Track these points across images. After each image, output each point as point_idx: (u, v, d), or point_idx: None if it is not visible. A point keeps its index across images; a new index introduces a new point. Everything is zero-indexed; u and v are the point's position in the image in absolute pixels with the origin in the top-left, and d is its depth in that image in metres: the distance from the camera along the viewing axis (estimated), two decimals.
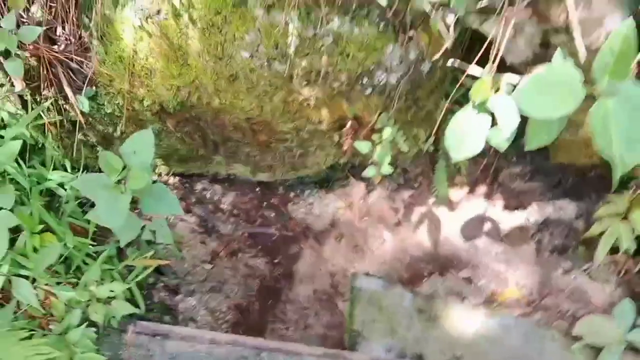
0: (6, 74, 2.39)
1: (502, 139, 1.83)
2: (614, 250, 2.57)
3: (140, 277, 2.26)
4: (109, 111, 2.43)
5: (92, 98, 2.39)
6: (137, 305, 2.28)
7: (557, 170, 3.08)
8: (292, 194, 3.03)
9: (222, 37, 2.10)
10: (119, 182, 1.88)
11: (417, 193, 3.11)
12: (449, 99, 2.34)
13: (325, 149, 2.73)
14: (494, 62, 1.79)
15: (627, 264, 2.62)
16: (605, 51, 1.48)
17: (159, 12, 2.10)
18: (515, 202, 3.10)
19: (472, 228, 3.00)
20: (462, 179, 3.13)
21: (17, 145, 2.00)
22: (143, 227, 2.16)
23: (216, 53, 2.15)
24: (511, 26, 1.67)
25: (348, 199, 3.05)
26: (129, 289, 2.27)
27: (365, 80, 2.25)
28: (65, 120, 2.52)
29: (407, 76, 2.27)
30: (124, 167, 1.88)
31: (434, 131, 2.90)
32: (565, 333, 2.41)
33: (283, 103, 2.35)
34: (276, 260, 2.81)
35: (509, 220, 3.03)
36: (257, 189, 3.00)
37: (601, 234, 2.56)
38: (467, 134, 1.88)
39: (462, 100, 2.98)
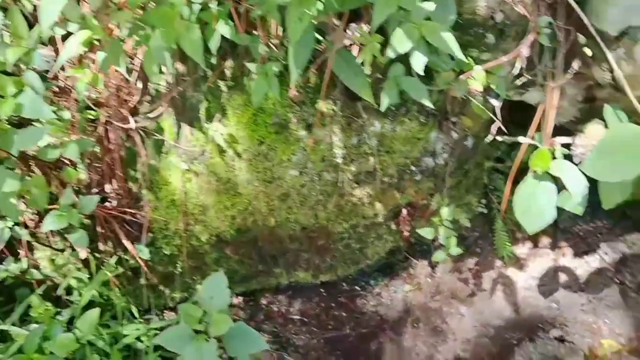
0: (64, 238, 2.45)
1: (575, 204, 1.79)
2: None
3: None
4: (167, 253, 2.45)
5: (150, 244, 2.42)
6: None
7: (619, 205, 3.00)
8: (357, 288, 2.97)
9: (270, 162, 2.12)
10: (201, 330, 1.87)
11: (481, 259, 3.03)
12: (512, 173, 2.30)
13: (383, 238, 2.70)
14: (546, 131, 1.78)
15: None
16: None
17: (203, 152, 2.14)
18: (584, 246, 3.00)
19: (548, 283, 2.90)
20: (522, 233, 3.05)
21: (96, 313, 2.01)
22: None
23: (265, 178, 2.18)
24: (557, 97, 1.66)
25: (414, 280, 2.98)
26: None
27: (413, 168, 2.25)
28: (126, 270, 2.54)
29: (452, 155, 2.26)
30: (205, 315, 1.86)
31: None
32: None
33: (337, 207, 2.34)
34: None
35: (583, 266, 2.92)
36: (322, 291, 2.95)
37: None
38: (535, 205, 1.85)
39: (504, 157, 2.96)
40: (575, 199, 1.75)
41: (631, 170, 1.53)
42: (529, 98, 1.92)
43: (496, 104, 1.78)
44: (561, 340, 2.65)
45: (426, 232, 2.37)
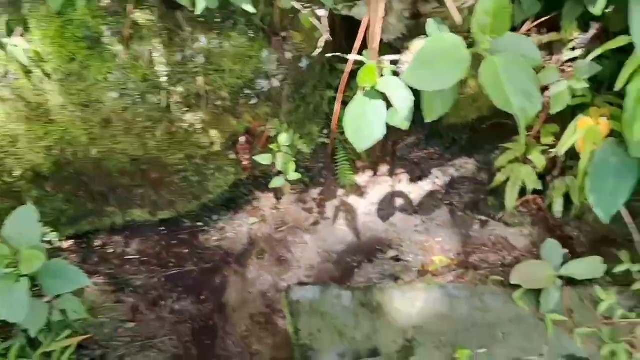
0: None
1: (401, 119, 1.81)
2: (522, 192, 2.66)
3: None
4: None
5: None
6: None
7: (449, 131, 3.16)
8: (200, 224, 2.87)
9: (84, 83, 1.91)
10: (11, 270, 1.66)
11: (325, 188, 3.06)
12: (340, 91, 2.29)
13: (224, 170, 2.61)
14: (372, 46, 1.76)
15: (536, 202, 2.72)
16: (480, 12, 1.49)
17: (6, 74, 1.87)
18: (418, 172, 3.14)
19: (386, 208, 3.01)
20: (363, 163, 3.12)
21: None
22: (51, 308, 1.94)
23: (81, 101, 1.96)
24: (382, 9, 1.64)
25: (259, 213, 2.94)
26: None
27: (247, 91, 2.15)
28: None
29: (288, 77, 2.19)
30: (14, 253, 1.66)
31: (327, 123, 2.88)
32: (502, 284, 2.47)
33: (168, 135, 2.19)
34: (202, 297, 2.65)
35: (417, 190, 3.07)
36: (162, 229, 2.81)
37: (506, 180, 2.63)
38: (365, 123, 1.85)
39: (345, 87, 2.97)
40: (402, 114, 1.77)
41: (449, 79, 1.56)
42: (358, 13, 1.89)
43: (322, 13, 1.72)
44: (397, 259, 2.77)
45: (263, 159, 2.31)
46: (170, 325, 2.53)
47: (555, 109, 2.14)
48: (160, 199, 2.60)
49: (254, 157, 2.33)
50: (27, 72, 1.88)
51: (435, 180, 3.09)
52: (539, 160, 2.50)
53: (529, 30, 2.11)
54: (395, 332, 2.23)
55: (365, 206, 3.01)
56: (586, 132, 2.12)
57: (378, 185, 3.09)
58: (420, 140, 3.22)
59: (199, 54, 1.92)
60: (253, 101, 2.21)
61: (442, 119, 2.98)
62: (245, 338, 2.54)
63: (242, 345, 2.52)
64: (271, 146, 2.36)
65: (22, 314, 1.58)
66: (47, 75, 1.88)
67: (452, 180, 3.06)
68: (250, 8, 1.59)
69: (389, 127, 3.15)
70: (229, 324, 2.59)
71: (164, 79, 1.94)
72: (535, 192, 2.68)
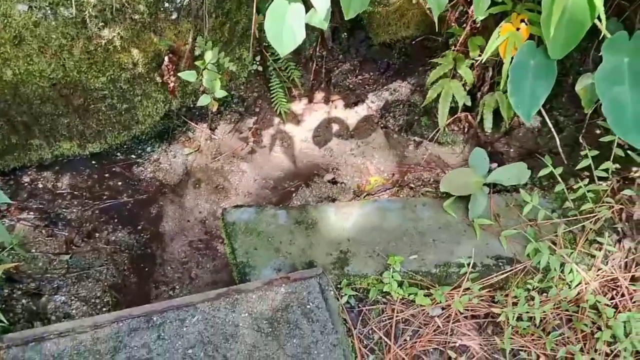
0: None
1: (320, 19, 1.79)
2: (454, 111, 2.69)
3: None
4: None
5: None
6: None
7: (382, 55, 3.16)
8: (133, 156, 2.81)
9: None
10: None
11: (260, 117, 3.04)
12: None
13: (152, 96, 2.54)
14: None
15: (467, 119, 2.76)
16: None
17: None
18: (353, 97, 3.15)
19: (322, 134, 3.02)
20: (298, 90, 3.10)
21: None
22: None
23: None
24: None
25: (194, 143, 2.90)
26: None
27: (166, 4, 2.08)
28: None
29: None
30: None
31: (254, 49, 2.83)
32: (434, 196, 2.53)
33: (86, 54, 2.11)
34: (139, 227, 2.62)
35: (353, 116, 3.09)
36: (93, 163, 2.74)
37: (437, 98, 2.65)
38: (285, 26, 1.82)
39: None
40: (320, 14, 1.75)
41: None
42: None
43: None
44: (334, 182, 2.80)
45: (188, 75, 2.26)
46: (106, 255, 2.50)
47: (477, 14, 2.15)
48: (87, 129, 2.52)
49: (179, 74, 2.27)
50: None
51: (371, 104, 3.10)
52: (467, 74, 2.53)
53: None
54: (330, 245, 2.26)
55: (301, 133, 3.01)
56: (508, 37, 2.15)
57: (314, 112, 3.09)
58: (354, 67, 3.22)
59: None
60: (173, 16, 2.14)
61: (373, 37, 3.01)
62: (185, 264, 2.54)
63: (181, 270, 2.52)
64: (197, 63, 2.30)
65: None
66: None
67: (387, 104, 3.08)
68: None
69: (324, 57, 3.16)
70: (167, 251, 2.57)
71: None
72: (465, 110, 2.72)
